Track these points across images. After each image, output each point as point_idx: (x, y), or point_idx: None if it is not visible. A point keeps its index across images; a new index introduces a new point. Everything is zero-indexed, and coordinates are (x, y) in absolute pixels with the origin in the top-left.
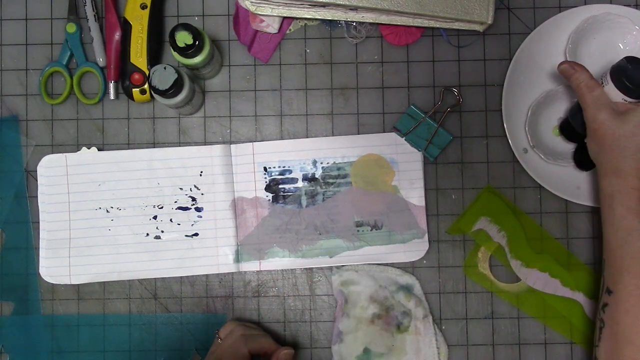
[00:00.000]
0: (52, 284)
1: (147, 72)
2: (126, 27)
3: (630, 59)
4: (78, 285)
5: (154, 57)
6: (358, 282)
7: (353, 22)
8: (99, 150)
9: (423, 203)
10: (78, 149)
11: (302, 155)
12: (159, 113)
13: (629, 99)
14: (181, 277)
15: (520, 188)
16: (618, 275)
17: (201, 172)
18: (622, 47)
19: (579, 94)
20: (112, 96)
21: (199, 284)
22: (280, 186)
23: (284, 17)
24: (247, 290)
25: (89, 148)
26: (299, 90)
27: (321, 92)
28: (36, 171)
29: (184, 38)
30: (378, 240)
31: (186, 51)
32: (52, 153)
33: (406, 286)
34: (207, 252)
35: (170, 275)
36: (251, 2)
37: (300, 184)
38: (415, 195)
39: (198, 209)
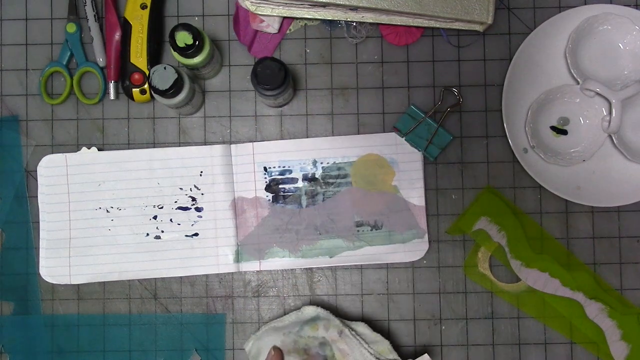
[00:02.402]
0: (52, 284)
1: (147, 72)
2: (126, 27)
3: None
4: (78, 285)
5: (154, 57)
6: (263, 345)
7: (353, 22)
8: (99, 150)
9: (423, 203)
10: (78, 149)
11: (302, 155)
12: (159, 113)
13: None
14: (181, 277)
15: (520, 188)
16: None
17: (201, 172)
18: (622, 47)
19: None
20: (112, 96)
21: (199, 284)
22: (280, 186)
23: (284, 17)
24: (247, 290)
25: (89, 148)
26: (299, 90)
27: (321, 92)
28: (36, 171)
29: (184, 38)
30: (378, 240)
31: (186, 51)
32: (52, 153)
33: (309, 318)
34: (207, 252)
35: (170, 275)
36: (251, 2)
37: (300, 184)
38: (415, 195)
39: (198, 209)
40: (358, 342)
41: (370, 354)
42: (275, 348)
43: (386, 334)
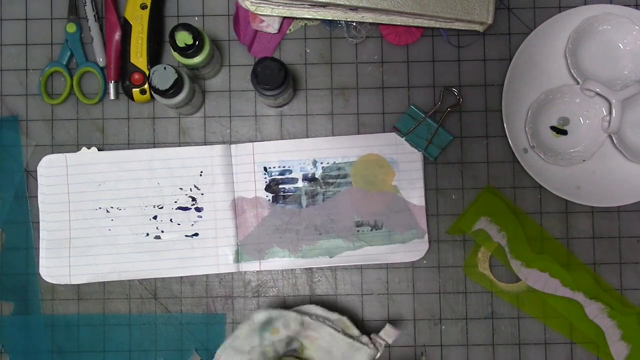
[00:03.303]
0: (52, 284)
1: (147, 72)
2: (126, 27)
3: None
4: (78, 285)
5: (154, 57)
6: None
7: (353, 22)
8: (99, 150)
9: (423, 203)
10: (78, 149)
11: (302, 155)
12: (159, 113)
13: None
14: (181, 277)
15: (520, 188)
16: None
17: (201, 172)
18: (622, 47)
19: None
20: (112, 96)
21: (199, 284)
22: (280, 186)
23: (284, 17)
24: (247, 290)
25: (89, 148)
26: (299, 90)
27: (321, 92)
28: (36, 171)
29: (184, 38)
30: (378, 240)
31: (186, 51)
32: (52, 153)
33: (265, 322)
34: (207, 252)
35: (170, 275)
36: (251, 2)
37: (300, 184)
38: (415, 195)
39: (198, 209)
40: (322, 324)
41: (337, 331)
42: None
43: (338, 310)
